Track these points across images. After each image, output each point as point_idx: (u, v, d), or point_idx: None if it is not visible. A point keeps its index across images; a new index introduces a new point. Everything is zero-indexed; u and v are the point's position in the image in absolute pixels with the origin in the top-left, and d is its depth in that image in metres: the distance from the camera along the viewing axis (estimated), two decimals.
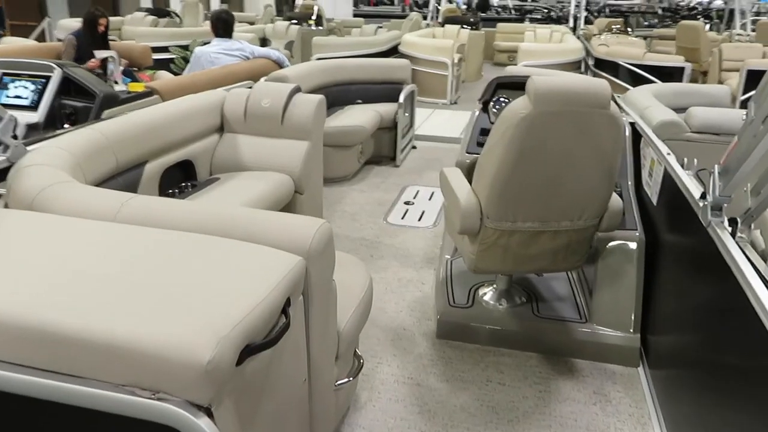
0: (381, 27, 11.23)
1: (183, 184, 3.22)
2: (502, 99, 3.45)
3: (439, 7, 13.44)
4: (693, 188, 2.13)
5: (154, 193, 2.94)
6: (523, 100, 2.11)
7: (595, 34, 10.64)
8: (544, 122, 2.09)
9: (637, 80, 7.67)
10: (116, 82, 3.88)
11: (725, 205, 1.86)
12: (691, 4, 18.98)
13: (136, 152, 2.78)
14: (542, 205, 2.29)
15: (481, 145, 3.28)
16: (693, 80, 7.95)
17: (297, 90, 3.54)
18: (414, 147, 5.85)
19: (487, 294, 2.85)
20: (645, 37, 11.13)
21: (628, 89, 7.30)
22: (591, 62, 8.51)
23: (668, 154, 2.58)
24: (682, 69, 7.32)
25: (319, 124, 3.52)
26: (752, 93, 6.54)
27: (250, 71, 4.68)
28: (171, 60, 7.49)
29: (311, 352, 1.74)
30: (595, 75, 8.35)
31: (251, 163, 3.38)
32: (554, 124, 2.10)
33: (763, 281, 1.49)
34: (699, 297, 2.03)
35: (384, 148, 5.35)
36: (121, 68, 4.18)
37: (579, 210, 2.33)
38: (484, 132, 3.36)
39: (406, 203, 4.39)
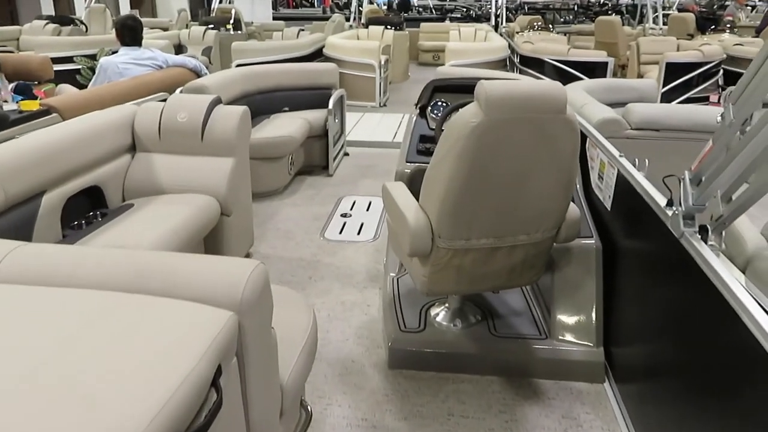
0: (303, 30, 10.91)
1: (91, 213, 2.84)
2: (440, 103, 3.26)
3: (361, 9, 13.23)
4: (656, 195, 2.00)
5: (55, 227, 2.55)
6: (473, 108, 1.91)
7: (517, 32, 10.74)
8: (497, 131, 1.89)
9: (562, 76, 7.74)
10: (5, 101, 3.42)
11: (697, 213, 1.73)
12: (602, 0, 19.70)
13: (29, 182, 2.40)
14: (498, 220, 2.10)
15: (421, 153, 3.08)
16: (613, 74, 8.09)
17: (217, 102, 3.22)
18: (346, 154, 5.60)
19: (440, 314, 2.64)
20: (564, 33, 11.36)
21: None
22: (516, 59, 8.53)
23: (620, 156, 2.46)
24: (605, 64, 7.43)
25: (244, 138, 3.22)
26: (674, 85, 6.58)
27: (163, 82, 4.29)
28: (77, 71, 6.92)
29: (250, 418, 1.46)
30: (521, 72, 8.37)
31: (170, 186, 3.03)
32: (508, 133, 1.91)
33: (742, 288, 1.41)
34: (668, 306, 1.89)
35: (315, 158, 5.07)
36: (11, 84, 3.70)
37: (537, 222, 2.15)
38: (424, 139, 3.15)
39: (343, 216, 4.14)
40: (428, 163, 3.16)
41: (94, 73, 4.93)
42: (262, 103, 5.05)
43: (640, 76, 8.54)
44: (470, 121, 1.88)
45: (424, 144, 3.11)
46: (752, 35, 9.39)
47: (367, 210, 4.25)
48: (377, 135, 6.35)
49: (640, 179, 2.19)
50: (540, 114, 1.91)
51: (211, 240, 3.04)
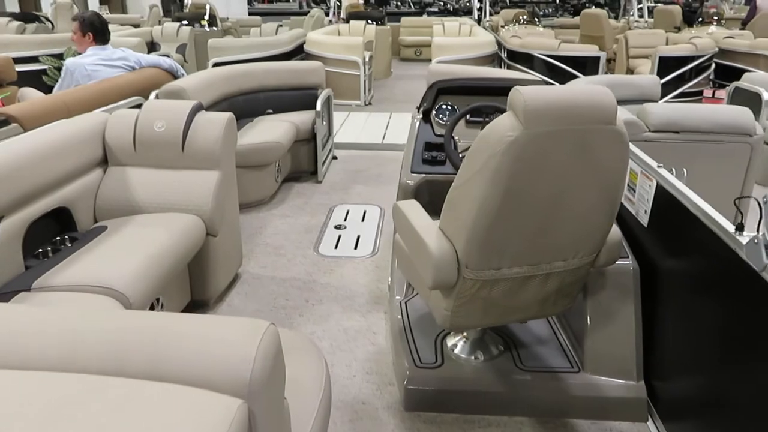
0: (281, 25, 10.54)
1: (58, 238, 2.50)
2: (445, 106, 2.97)
3: (340, 3, 12.87)
4: (718, 217, 1.74)
5: (16, 258, 2.21)
6: (508, 119, 1.62)
7: (501, 26, 10.51)
8: (537, 146, 1.61)
9: (552, 72, 7.52)
10: None
11: None
12: None
13: None
14: (533, 246, 1.82)
15: (428, 162, 2.80)
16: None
17: (199, 108, 2.89)
18: (335, 157, 5.29)
19: (458, 345, 2.36)
20: (543, 27, 11.15)
21: (547, 82, 7.11)
22: (504, 54, 8.28)
23: (659, 166, 2.20)
24: (597, 59, 7.22)
25: (230, 148, 2.89)
26: (667, 79, 6.34)
27: (137, 85, 3.94)
28: (43, 71, 6.47)
29: None
30: (509, 67, 8.13)
31: (147, 204, 2.70)
32: (549, 147, 1.63)
33: None
34: (731, 337, 1.65)
35: (303, 163, 4.75)
36: None
37: (575, 246, 1.88)
38: (430, 146, 2.86)
39: (337, 227, 3.83)
40: (436, 173, 2.90)
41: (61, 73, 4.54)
42: (245, 106, 4.71)
43: (629, 70, 8.36)
44: (506, 135, 1.60)
45: (430, 152, 2.83)
46: (739, 27, 9.27)
47: (363, 220, 3.95)
48: (365, 136, 6.04)
49: (691, 195, 1.94)
50: (586, 125, 1.63)
51: (196, 264, 2.72)
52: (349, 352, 2.54)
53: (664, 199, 2.14)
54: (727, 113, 3.19)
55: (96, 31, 3.86)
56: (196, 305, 2.84)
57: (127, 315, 1.17)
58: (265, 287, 3.08)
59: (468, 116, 2.95)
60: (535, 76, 7.37)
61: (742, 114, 3.16)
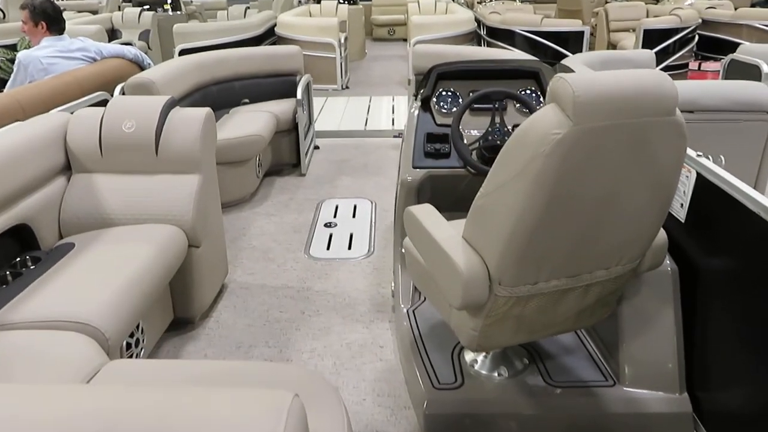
0: (249, 7, 10.08)
1: (19, 259, 2.20)
2: (446, 93, 2.71)
3: None
4: None
5: None
6: (552, 114, 1.37)
7: (478, 2, 10.22)
8: (588, 144, 1.37)
9: (534, 48, 7.28)
10: None
11: None
12: None
13: None
14: (575, 256, 1.59)
15: (430, 155, 2.54)
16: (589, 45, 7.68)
17: (172, 104, 2.58)
18: (317, 147, 4.99)
19: (478, 361, 2.13)
20: (520, 1, 10.89)
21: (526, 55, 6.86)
22: (483, 32, 8.02)
23: (699, 155, 1.97)
24: (581, 33, 7.01)
25: (210, 148, 2.60)
26: (654, 52, 6.04)
27: (100, 78, 3.59)
28: None
29: None
30: (489, 45, 7.87)
31: (120, 215, 2.40)
32: (602, 145, 1.38)
33: None
34: None
35: (284, 155, 4.45)
36: None
37: (620, 253, 1.65)
38: (432, 138, 2.60)
39: (327, 225, 3.56)
40: (441, 168, 2.65)
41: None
42: (219, 96, 4.38)
43: (611, 44, 8.18)
44: (551, 132, 1.35)
45: (432, 144, 2.57)
46: None
47: (353, 216, 3.68)
48: (346, 122, 5.75)
49: (739, 184, 1.72)
50: (644, 117, 1.39)
51: (178, 279, 2.44)
52: (355, 371, 2.30)
53: (704, 190, 1.92)
54: (744, 90, 2.99)
55: (49, 19, 3.49)
56: (180, 323, 2.56)
57: (115, 395, 0.89)
58: (256, 298, 2.80)
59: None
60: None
61: (759, 90, 2.96)
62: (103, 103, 3.26)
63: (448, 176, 2.56)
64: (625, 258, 1.68)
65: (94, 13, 9.80)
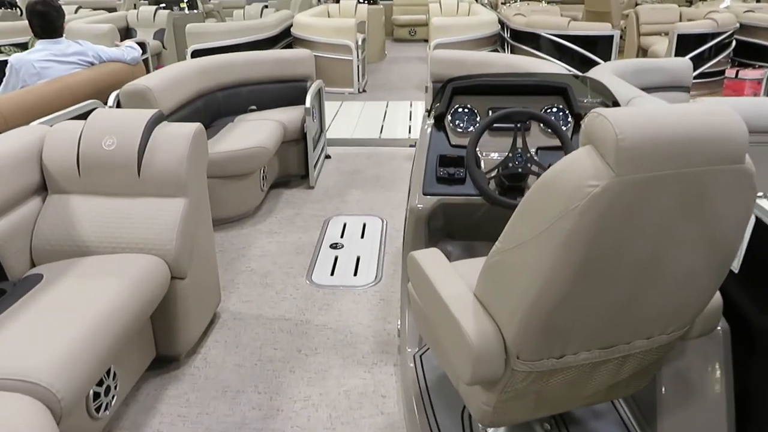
0: (266, 6, 9.87)
1: None
2: (462, 110, 2.43)
3: None
4: None
5: None
6: (589, 161, 1.09)
7: (501, 2, 9.89)
8: (632, 199, 1.08)
9: (561, 52, 6.95)
10: None
11: None
12: None
13: None
14: (611, 325, 1.30)
15: (443, 181, 2.26)
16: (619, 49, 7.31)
17: (158, 119, 2.33)
18: (328, 156, 4.74)
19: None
20: (546, 3, 10.52)
21: (550, 61, 6.54)
22: (507, 34, 7.69)
23: (762, 196, 1.67)
24: (610, 38, 6.64)
25: (199, 169, 2.35)
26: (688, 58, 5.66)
27: (94, 84, 3.37)
28: (4, 63, 5.86)
29: None
30: (512, 48, 7.55)
31: (96, 243, 2.17)
32: (649, 199, 1.10)
33: None
34: None
35: (292, 165, 4.20)
36: None
37: (666, 320, 1.36)
38: (446, 161, 2.32)
39: (333, 246, 3.30)
40: (454, 195, 2.38)
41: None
42: (224, 103, 4.15)
43: (642, 49, 7.80)
44: (587, 184, 1.07)
45: (446, 168, 2.29)
46: (756, 0, 8.70)
47: (362, 237, 3.42)
48: (361, 130, 5.48)
49: None
50: (704, 166, 1.10)
51: (160, 313, 2.20)
52: (353, 426, 2.03)
53: (763, 235, 1.62)
54: None
55: (41, 21, 3.27)
56: (163, 362, 2.32)
57: None
58: (249, 331, 2.56)
59: None
60: (554, 61, 6.80)
61: None
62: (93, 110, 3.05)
63: (462, 204, 2.28)
64: (672, 326, 1.39)
65: (112, 10, 9.68)
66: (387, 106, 6.38)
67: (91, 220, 2.19)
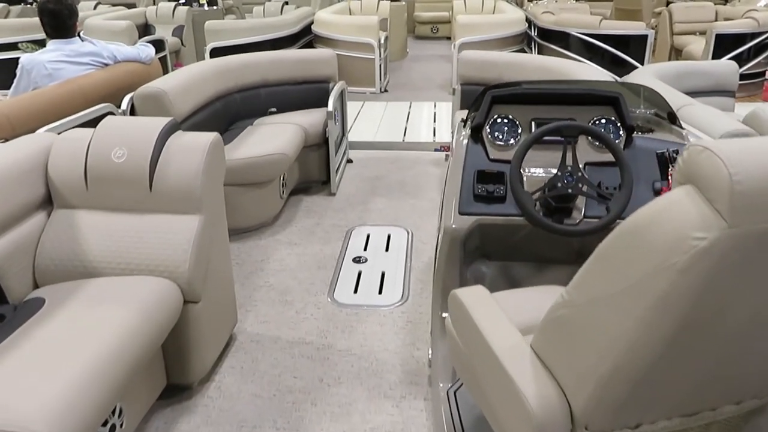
0: (287, 3, 9.69)
1: None
2: (503, 121, 2.22)
3: None
4: None
5: None
6: (691, 206, 0.89)
7: (528, 0, 9.61)
8: (746, 252, 0.88)
9: (591, 51, 6.68)
10: None
11: None
12: None
13: None
14: (698, 392, 1.10)
15: (481, 199, 2.06)
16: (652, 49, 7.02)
17: (173, 128, 2.16)
18: (350, 161, 4.55)
19: None
20: (575, 0, 10.21)
21: (583, 63, 6.29)
22: (535, 33, 7.43)
23: None
24: (644, 37, 6.36)
25: (216, 182, 2.17)
26: (725, 60, 5.41)
27: (108, 86, 3.21)
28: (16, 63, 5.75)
29: None
30: (540, 47, 7.29)
31: (105, 263, 2.00)
32: (760, 251, 0.89)
33: None
34: None
35: (313, 171, 4.02)
36: None
37: (761, 384, 1.15)
38: (483, 177, 2.12)
39: (356, 260, 3.11)
40: (494, 215, 2.18)
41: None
42: (243, 105, 3.98)
43: (675, 49, 7.50)
44: (691, 236, 0.86)
45: (484, 185, 2.08)
46: None
47: (386, 249, 3.22)
48: (383, 133, 5.28)
49: None
50: None
51: (171, 340, 2.02)
52: None
53: None
54: None
55: (52, 20, 3.12)
56: (175, 390, 2.15)
57: None
58: (267, 356, 2.38)
59: None
60: (573, 56, 6.55)
61: None
62: (107, 114, 2.89)
63: (502, 225, 2.08)
64: (767, 389, 1.18)
65: (131, 6, 9.58)
66: (410, 106, 6.17)
67: (99, 238, 2.02)
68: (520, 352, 1.21)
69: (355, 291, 2.84)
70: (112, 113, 2.93)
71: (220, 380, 2.25)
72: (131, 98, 3.08)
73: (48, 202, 2.12)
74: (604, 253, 1.00)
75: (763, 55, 6.52)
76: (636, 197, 1.94)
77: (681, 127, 2.22)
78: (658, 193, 2.03)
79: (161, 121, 2.14)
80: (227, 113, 3.85)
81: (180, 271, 1.96)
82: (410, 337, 2.49)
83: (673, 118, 2.24)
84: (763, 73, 6.51)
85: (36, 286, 2.02)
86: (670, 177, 2.05)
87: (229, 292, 2.37)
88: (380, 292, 2.83)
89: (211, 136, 2.14)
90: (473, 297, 1.40)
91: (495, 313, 1.34)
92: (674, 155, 2.09)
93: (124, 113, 3.02)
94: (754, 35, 6.33)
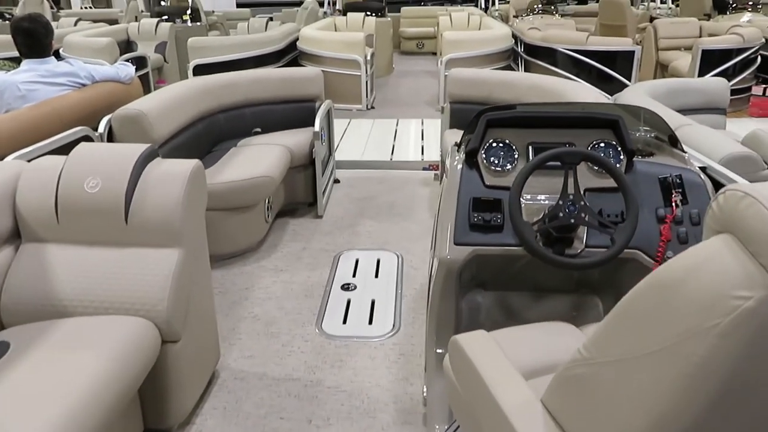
0: (271, 19, 9.62)
1: None
2: (499, 145, 2.12)
3: None
4: None
5: None
6: (731, 260, 0.79)
7: (513, 16, 9.62)
8: None
9: (578, 68, 6.65)
10: None
11: None
12: None
13: None
14: None
15: (477, 228, 1.96)
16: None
17: (151, 155, 2.03)
18: (336, 181, 4.44)
19: None
20: (560, 16, 10.25)
21: (571, 79, 6.26)
22: (521, 49, 7.40)
23: None
24: (631, 53, 6.35)
25: (197, 213, 2.05)
26: (711, 76, 5.42)
27: (86, 107, 3.08)
28: None
29: None
30: (527, 63, 7.26)
31: (76, 302, 1.86)
32: None
33: None
34: None
35: (299, 193, 3.90)
36: None
37: None
38: (479, 205, 2.01)
39: (345, 288, 2.99)
40: (491, 245, 2.07)
41: None
42: (227, 126, 3.86)
43: (660, 63, 7.51)
44: (732, 295, 0.76)
45: (481, 214, 1.98)
46: None
47: (376, 276, 3.11)
48: (371, 151, 5.19)
49: None
50: None
51: (149, 381, 1.88)
52: None
53: None
54: None
55: (27, 39, 2.99)
56: None
57: None
58: (252, 395, 2.24)
59: None
60: (560, 73, 6.52)
61: None
62: (83, 139, 2.76)
63: (500, 255, 1.97)
64: None
65: (113, 23, 9.44)
66: (397, 123, 6.09)
67: (70, 274, 1.89)
68: (530, 409, 1.10)
69: (344, 321, 2.72)
70: (88, 137, 2.79)
71: (202, 423, 2.11)
72: (109, 120, 2.95)
73: (15, 235, 1.98)
74: (631, 309, 0.90)
75: (749, 71, 6.54)
76: (639, 225, 1.85)
77: (683, 150, 2.15)
78: (661, 220, 1.94)
79: (138, 148, 2.02)
80: (210, 134, 3.73)
81: (158, 309, 1.83)
82: (403, 371, 2.36)
83: (674, 141, 2.16)
84: (748, 89, 6.52)
85: (1, 327, 1.88)
86: (673, 203, 1.97)
87: (212, 327, 2.24)
88: (370, 321, 2.71)
89: (192, 163, 2.02)
90: (476, 344, 1.29)
91: (500, 363, 1.23)
92: (677, 180, 2.00)
93: (101, 137, 2.88)
94: (739, 51, 6.35)
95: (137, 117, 2.92)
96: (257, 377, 2.34)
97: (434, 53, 10.51)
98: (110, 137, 2.94)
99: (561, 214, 1.79)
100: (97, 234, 1.93)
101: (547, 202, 1.97)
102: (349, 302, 2.87)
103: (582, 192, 1.94)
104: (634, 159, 2.09)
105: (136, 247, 1.92)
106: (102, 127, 2.92)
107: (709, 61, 6.29)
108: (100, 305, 1.85)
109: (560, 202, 1.80)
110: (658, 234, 1.91)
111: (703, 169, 2.11)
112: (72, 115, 2.97)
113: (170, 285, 1.85)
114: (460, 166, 2.14)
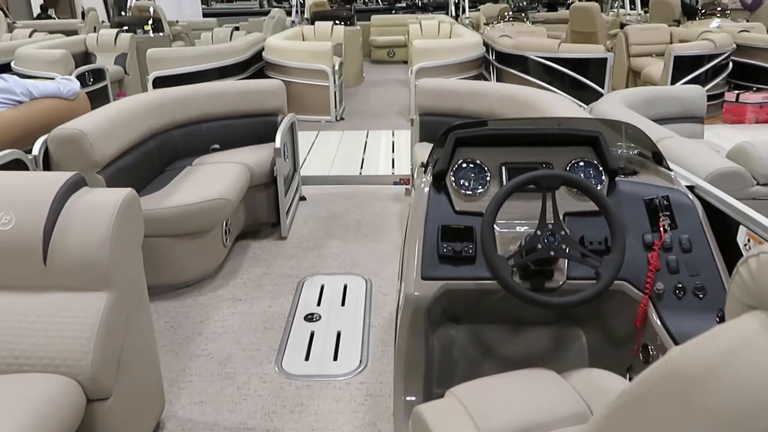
0: (237, 29, 9.37)
1: None
2: (468, 166, 1.92)
3: (303, 1, 11.72)
4: None
5: None
6: (761, 331, 0.58)
7: (484, 23, 9.52)
8: None
9: (551, 75, 6.54)
10: None
11: None
12: None
13: None
14: None
15: (447, 260, 1.75)
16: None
17: (76, 184, 1.79)
18: (303, 198, 4.21)
19: None
20: (531, 23, 10.19)
21: (543, 87, 6.12)
22: (492, 57, 7.27)
23: None
24: (603, 60, 6.25)
25: (130, 249, 1.80)
26: (684, 82, 5.32)
27: (21, 127, 2.82)
28: None
29: None
30: (498, 71, 7.13)
31: None
32: None
33: None
34: None
35: (261, 213, 3.66)
36: None
37: None
38: (448, 234, 1.81)
39: (309, 318, 2.76)
40: (462, 279, 1.87)
41: None
42: (182, 143, 3.61)
43: (632, 70, 7.44)
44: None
45: (450, 243, 1.77)
46: (746, 19, 8.44)
47: (342, 303, 2.88)
48: (339, 165, 4.97)
49: None
50: None
51: None
52: None
53: None
54: None
55: None
56: None
57: None
58: None
59: None
60: (532, 80, 6.39)
61: None
62: (16, 165, 2.50)
63: (472, 290, 1.77)
64: None
65: (71, 34, 9.08)
66: (367, 135, 5.89)
67: None
68: None
69: (307, 357, 2.48)
70: (20, 161, 2.53)
71: None
72: (45, 141, 2.69)
73: None
74: (643, 396, 0.70)
75: (721, 77, 6.49)
76: (626, 253, 1.67)
77: (668, 168, 1.97)
78: (649, 247, 1.76)
79: (61, 177, 1.77)
80: (163, 153, 3.48)
81: (81, 365, 1.59)
82: (370, 415, 2.14)
83: (659, 158, 1.99)
84: (721, 95, 6.47)
85: None
86: (661, 228, 1.79)
87: (154, 374, 1.99)
88: (335, 357, 2.48)
89: (123, 192, 1.77)
90: (441, 418, 1.08)
91: None
92: (665, 202, 1.83)
93: (35, 160, 2.62)
94: (711, 57, 6.29)
95: (76, 137, 2.67)
96: (208, 427, 2.09)
97: (406, 62, 10.36)
98: (46, 160, 2.68)
99: (539, 246, 1.59)
100: (10, 277, 1.67)
101: (523, 229, 1.78)
102: (312, 335, 2.64)
103: (562, 217, 1.75)
104: (617, 179, 1.91)
105: (56, 291, 1.67)
106: (36, 148, 2.66)
107: (682, 67, 6.22)
108: (13, 361, 1.59)
109: (538, 233, 1.60)
110: (646, 262, 1.73)
111: (690, 188, 1.94)
112: (7, 135, 2.71)
113: (96, 335, 1.61)
114: (426, 189, 1.93)
